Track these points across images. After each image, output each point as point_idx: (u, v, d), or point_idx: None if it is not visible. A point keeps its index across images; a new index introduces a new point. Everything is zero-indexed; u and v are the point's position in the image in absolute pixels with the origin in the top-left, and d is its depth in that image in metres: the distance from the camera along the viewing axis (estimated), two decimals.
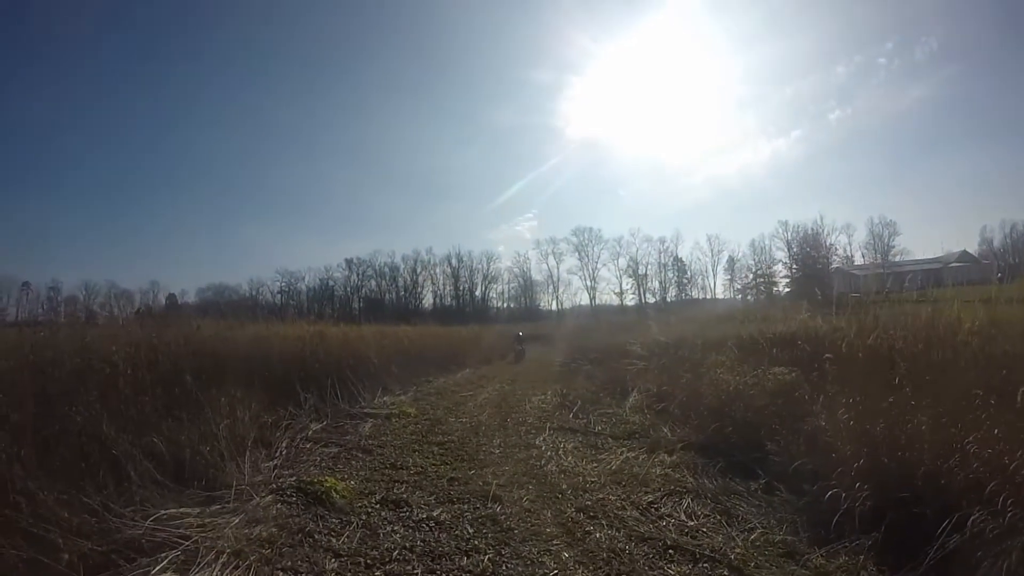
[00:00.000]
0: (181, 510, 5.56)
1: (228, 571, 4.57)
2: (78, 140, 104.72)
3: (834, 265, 78.46)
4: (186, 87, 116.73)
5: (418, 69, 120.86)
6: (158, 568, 4.46)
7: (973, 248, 76.38)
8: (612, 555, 5.30)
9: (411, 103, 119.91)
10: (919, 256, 73.11)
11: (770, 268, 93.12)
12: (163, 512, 5.37)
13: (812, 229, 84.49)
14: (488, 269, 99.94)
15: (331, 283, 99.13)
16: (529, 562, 5.17)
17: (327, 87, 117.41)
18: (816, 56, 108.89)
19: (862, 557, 4.85)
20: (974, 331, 6.81)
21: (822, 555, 5.04)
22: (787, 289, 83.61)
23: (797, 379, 8.69)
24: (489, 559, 5.19)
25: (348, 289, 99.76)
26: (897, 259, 77.22)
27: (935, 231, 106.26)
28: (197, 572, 4.49)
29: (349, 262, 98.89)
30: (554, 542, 5.59)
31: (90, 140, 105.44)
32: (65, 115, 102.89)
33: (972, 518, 4.40)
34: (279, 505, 6.13)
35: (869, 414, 6.20)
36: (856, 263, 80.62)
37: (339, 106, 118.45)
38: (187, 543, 4.92)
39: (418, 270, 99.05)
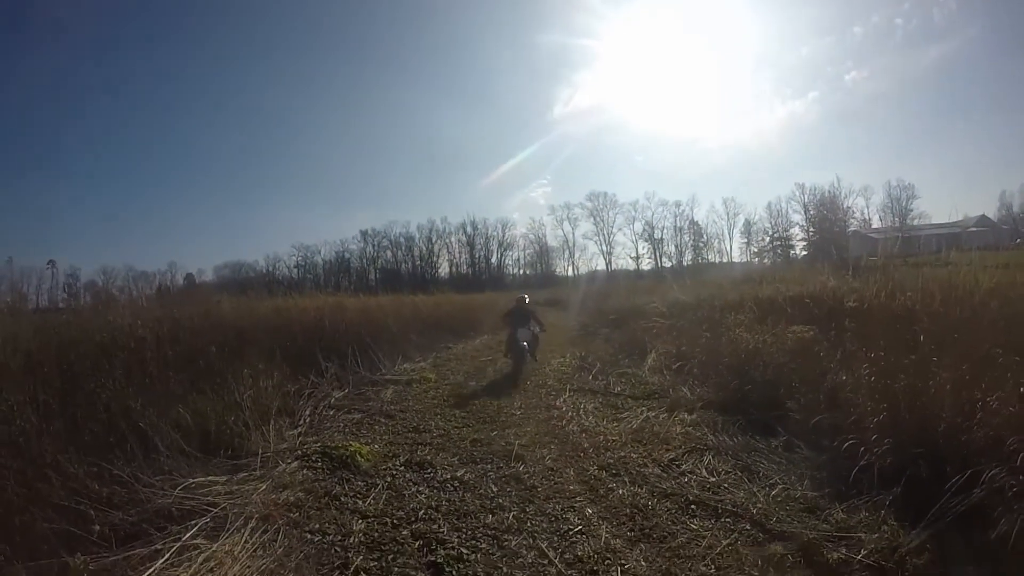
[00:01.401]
0: (209, 478, 5.65)
1: (257, 535, 4.62)
2: (89, 127, 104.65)
3: (851, 228, 78.13)
4: (195, 68, 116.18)
5: (426, 36, 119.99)
6: (188, 535, 4.51)
7: (992, 213, 75.02)
8: (635, 510, 5.37)
9: (420, 71, 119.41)
10: (937, 220, 72.22)
11: (787, 231, 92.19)
12: (191, 481, 5.47)
13: (829, 192, 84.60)
14: (503, 236, 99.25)
15: (347, 255, 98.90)
16: (553, 518, 5.25)
17: (335, 60, 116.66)
18: (832, 16, 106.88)
19: (882, 512, 4.86)
20: (993, 292, 6.75)
21: (843, 510, 5.06)
22: (804, 252, 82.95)
23: (816, 337, 8.69)
24: (514, 516, 5.27)
25: (364, 261, 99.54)
26: (915, 223, 76.27)
27: (954, 195, 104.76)
28: (227, 537, 4.53)
29: (364, 234, 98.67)
30: (577, 499, 5.67)
31: (101, 126, 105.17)
32: (75, 102, 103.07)
33: (990, 474, 4.39)
34: (305, 470, 6.21)
35: (890, 370, 6.17)
36: (874, 226, 79.91)
37: (348, 78, 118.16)
38: (216, 510, 5.01)
39: (433, 239, 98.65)
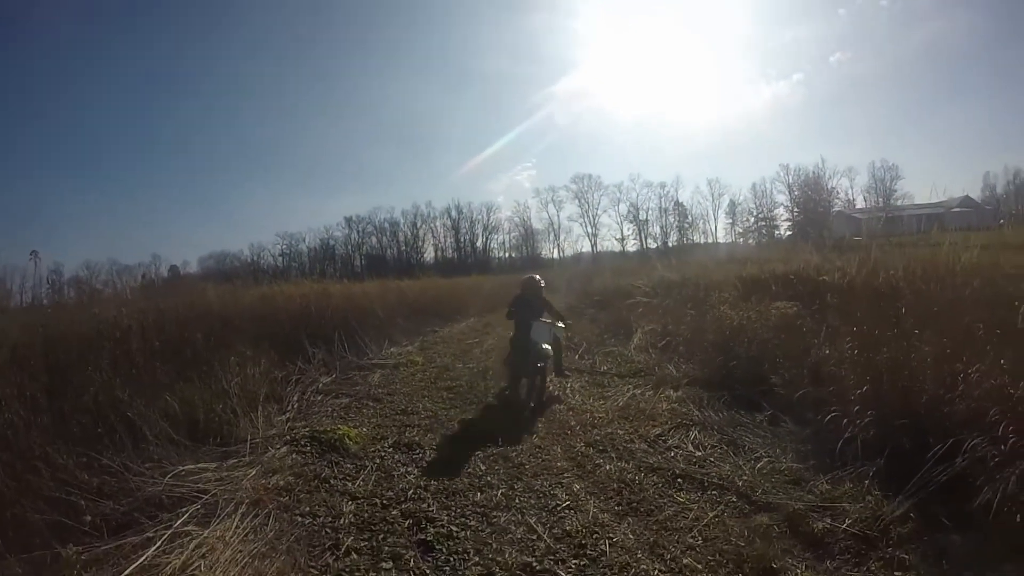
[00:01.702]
0: (199, 466, 5.66)
1: (248, 520, 4.65)
2: (68, 121, 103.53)
3: (836, 208, 78.56)
4: (171, 60, 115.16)
5: (409, 19, 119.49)
6: (180, 522, 4.51)
7: (976, 194, 75.24)
8: (622, 485, 5.46)
9: (403, 55, 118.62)
10: (921, 201, 72.63)
11: (771, 211, 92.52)
12: (181, 469, 5.47)
13: (813, 173, 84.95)
14: (488, 220, 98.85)
15: (332, 242, 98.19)
16: (541, 495, 5.33)
17: (314, 46, 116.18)
18: None
19: (866, 482, 4.94)
20: (975, 270, 6.80)
21: (827, 481, 5.16)
22: (788, 232, 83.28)
23: (799, 313, 8.77)
24: (502, 493, 5.36)
25: (349, 247, 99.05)
26: (899, 203, 76.18)
27: (939, 176, 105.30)
28: (218, 523, 4.55)
29: (349, 220, 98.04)
30: (565, 475, 5.76)
31: (80, 121, 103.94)
32: (53, 97, 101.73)
33: (972, 444, 4.47)
34: (294, 455, 6.25)
35: (872, 345, 6.26)
36: (858, 207, 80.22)
37: (328, 63, 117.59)
38: (206, 497, 5.02)
39: (418, 224, 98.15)
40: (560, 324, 9.50)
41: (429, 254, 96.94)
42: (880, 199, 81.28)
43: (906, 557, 4.05)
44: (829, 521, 4.56)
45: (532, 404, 7.98)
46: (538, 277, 9.71)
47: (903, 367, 5.70)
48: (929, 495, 4.50)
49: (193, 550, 4.13)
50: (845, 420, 5.61)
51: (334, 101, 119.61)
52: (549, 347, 8.69)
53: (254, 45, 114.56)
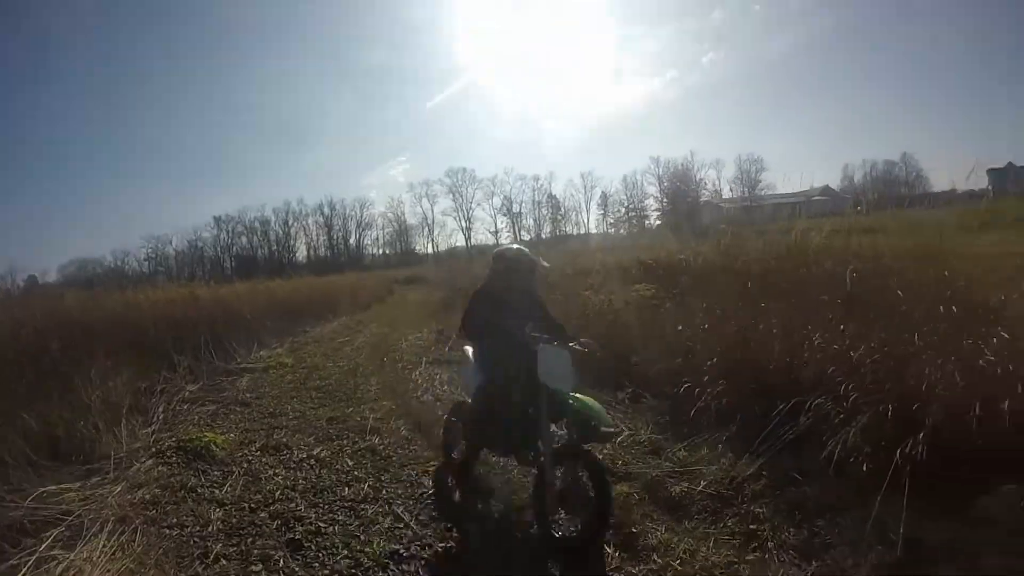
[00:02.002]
0: (61, 486, 5.50)
1: (115, 538, 4.57)
2: None
3: (703, 199, 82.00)
4: (11, 47, 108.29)
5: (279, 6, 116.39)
6: (44, 546, 4.37)
7: (836, 184, 79.77)
8: (488, 469, 5.64)
9: (271, 42, 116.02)
10: (784, 191, 76.50)
11: (642, 202, 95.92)
12: (43, 490, 5.31)
13: (683, 165, 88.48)
14: (362, 216, 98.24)
15: (200, 244, 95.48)
16: (409, 484, 5.54)
17: (174, 28, 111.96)
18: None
19: (720, 447, 5.38)
20: (827, 251, 7.28)
21: (683, 449, 5.57)
22: (658, 222, 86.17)
23: (657, 294, 9.23)
24: (369, 486, 5.51)
25: (218, 248, 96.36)
26: (763, 193, 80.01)
27: (801, 168, 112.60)
28: (84, 544, 4.45)
29: (218, 220, 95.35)
30: (432, 463, 5.93)
31: None
32: None
33: (815, 403, 4.88)
34: (160, 467, 6.17)
35: (723, 319, 6.76)
36: (724, 197, 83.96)
37: (191, 49, 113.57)
38: (71, 518, 4.89)
39: (290, 222, 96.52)
40: (576, 346, 4.87)
41: (302, 253, 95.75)
42: (745, 189, 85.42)
43: (760, 511, 4.42)
44: (686, 485, 4.93)
45: (557, 533, 4.28)
46: (526, 250, 5.47)
47: (751, 339, 6.17)
48: (778, 453, 4.92)
49: (60, 574, 4.10)
50: (698, 390, 6.02)
51: (198, 93, 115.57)
52: (584, 398, 4.57)
53: (109, 34, 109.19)
